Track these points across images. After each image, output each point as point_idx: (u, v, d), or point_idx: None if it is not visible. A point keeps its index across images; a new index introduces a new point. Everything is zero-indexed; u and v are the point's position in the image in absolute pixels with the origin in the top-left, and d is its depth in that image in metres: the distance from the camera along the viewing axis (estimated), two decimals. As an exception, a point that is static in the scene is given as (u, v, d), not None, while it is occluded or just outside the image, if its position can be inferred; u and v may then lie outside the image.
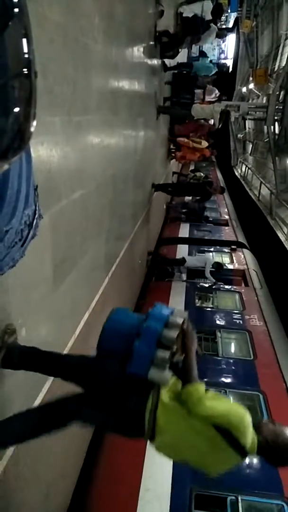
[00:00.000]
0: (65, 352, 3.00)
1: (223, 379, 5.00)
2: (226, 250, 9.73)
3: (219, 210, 13.99)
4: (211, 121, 10.37)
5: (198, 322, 6.17)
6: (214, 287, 7.48)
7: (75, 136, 2.82)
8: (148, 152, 6.99)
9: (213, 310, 6.86)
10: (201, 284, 7.75)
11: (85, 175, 3.17)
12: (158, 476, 3.48)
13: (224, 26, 22.66)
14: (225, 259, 9.23)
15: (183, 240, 9.91)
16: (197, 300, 7.18)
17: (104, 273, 4.22)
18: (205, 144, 11.05)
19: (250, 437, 1.74)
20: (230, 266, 8.92)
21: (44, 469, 2.82)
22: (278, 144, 13.49)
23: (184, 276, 7.88)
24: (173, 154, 11.89)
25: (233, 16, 23.18)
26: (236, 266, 8.97)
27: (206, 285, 7.64)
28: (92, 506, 3.42)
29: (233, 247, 9.74)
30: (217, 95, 10.04)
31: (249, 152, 22.37)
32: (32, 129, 0.78)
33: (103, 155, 3.71)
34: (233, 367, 5.25)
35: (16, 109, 0.75)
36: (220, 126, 9.29)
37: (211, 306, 7.07)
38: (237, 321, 6.39)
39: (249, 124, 22.01)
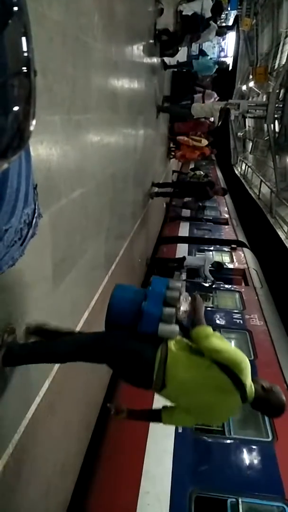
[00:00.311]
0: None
1: None
2: (226, 249, 9.66)
3: (219, 209, 13.90)
4: (211, 119, 10.31)
5: None
6: (214, 286, 7.43)
7: (74, 135, 2.82)
8: (148, 151, 6.98)
9: (213, 310, 6.75)
10: (201, 283, 7.67)
11: (85, 174, 3.16)
12: (157, 478, 3.47)
13: (224, 24, 22.60)
14: (225, 258, 9.17)
15: (182, 239, 9.84)
16: None
17: (104, 272, 4.22)
18: (205, 142, 11.02)
19: (249, 379, 1.96)
20: (230, 265, 8.83)
21: (45, 467, 2.83)
22: (278, 142, 13.47)
23: (184, 276, 7.83)
24: (173, 153, 11.86)
25: (233, 14, 23.11)
26: (236, 265, 8.89)
27: (206, 285, 7.57)
28: (92, 508, 3.41)
29: (233, 246, 9.66)
30: (216, 99, 9.97)
31: (249, 150, 22.35)
32: (31, 128, 0.78)
33: (103, 154, 3.71)
34: None
35: (16, 108, 0.75)
36: (219, 123, 9.26)
37: (211, 305, 6.97)
38: (237, 320, 6.30)
39: (249, 122, 21.99)
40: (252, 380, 1.99)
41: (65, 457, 3.34)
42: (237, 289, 7.55)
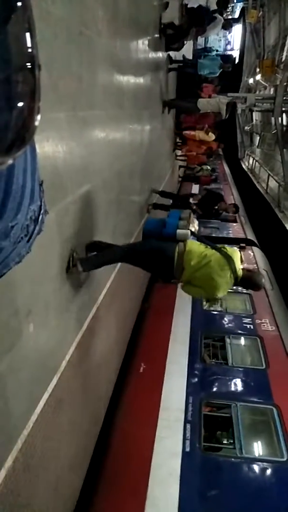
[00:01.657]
0: (74, 344, 3.02)
1: (233, 390, 4.69)
2: (235, 248, 9.30)
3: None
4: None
5: (206, 327, 5.85)
6: None
7: (80, 131, 2.82)
8: (154, 146, 6.95)
9: (222, 314, 6.43)
10: None
11: (91, 170, 3.16)
12: (163, 505, 3.29)
13: (230, 17, 22.37)
14: None
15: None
16: (204, 303, 6.67)
17: (111, 268, 4.23)
18: (212, 137, 10.92)
19: (238, 264, 3.03)
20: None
21: (54, 462, 2.86)
22: (286, 135, 13.34)
23: None
24: (179, 149, 11.75)
25: (239, 6, 22.87)
26: (246, 265, 8.58)
27: None
28: None
29: (242, 245, 9.15)
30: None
31: (257, 144, 22.16)
32: (36, 123, 0.78)
33: (109, 150, 3.70)
34: (244, 378, 4.87)
35: (20, 104, 0.75)
36: (227, 116, 9.14)
37: (220, 309, 6.63)
38: (248, 326, 5.99)
39: (256, 116, 21.78)
40: (241, 268, 3.06)
41: (74, 452, 3.37)
42: (246, 292, 7.07)
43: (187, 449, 3.72)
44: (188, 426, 3.96)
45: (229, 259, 2.97)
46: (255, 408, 4.47)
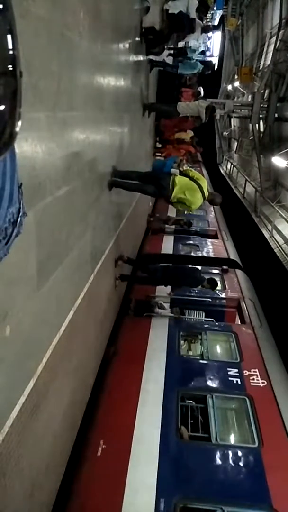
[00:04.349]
0: (51, 348, 2.99)
1: (217, 485, 3.53)
2: (216, 271, 7.91)
3: (207, 219, 11.98)
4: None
5: (183, 382, 4.77)
6: (205, 325, 6.25)
7: (60, 132, 2.80)
8: (134, 149, 6.97)
9: (202, 363, 5.22)
10: (187, 320, 6.37)
11: (71, 172, 3.14)
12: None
13: (209, 23, 22.70)
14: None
15: (165, 258, 8.15)
16: (182, 342, 5.63)
17: (90, 270, 4.20)
18: (190, 134, 11.00)
19: (206, 188, 4.96)
20: (222, 294, 7.20)
21: (29, 467, 2.80)
22: (262, 142, 13.65)
23: (167, 310, 6.47)
24: (158, 153, 11.84)
25: (218, 14, 23.26)
26: (229, 294, 7.23)
27: (193, 321, 6.43)
28: None
29: (224, 267, 8.06)
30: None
31: (234, 149, 22.56)
32: (17, 129, 0.77)
33: (89, 152, 3.69)
34: (232, 463, 3.72)
35: (1, 107, 0.74)
36: (207, 120, 9.27)
37: (199, 354, 5.48)
38: (234, 380, 4.80)
39: (234, 121, 22.19)
40: (208, 191, 5.05)
41: (50, 457, 3.32)
42: (231, 329, 6.04)
43: None
44: None
45: (200, 186, 4.85)
46: None
